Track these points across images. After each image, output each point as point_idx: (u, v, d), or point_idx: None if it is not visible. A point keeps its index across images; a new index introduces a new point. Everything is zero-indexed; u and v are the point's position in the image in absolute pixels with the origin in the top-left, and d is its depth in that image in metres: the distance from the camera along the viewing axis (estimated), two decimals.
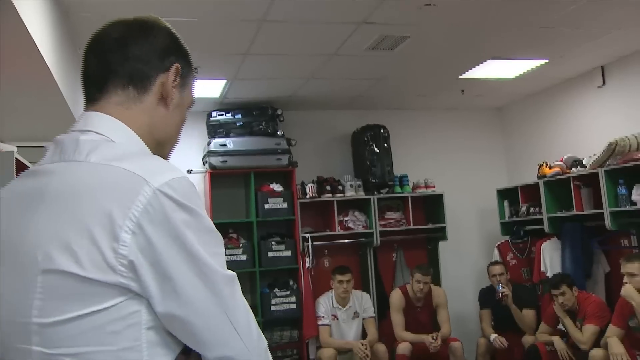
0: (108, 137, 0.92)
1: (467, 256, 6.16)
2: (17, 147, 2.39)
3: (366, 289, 5.59)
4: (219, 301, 0.82)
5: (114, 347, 0.79)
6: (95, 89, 0.98)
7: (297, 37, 3.92)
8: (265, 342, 0.90)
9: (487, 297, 5.32)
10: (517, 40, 4.34)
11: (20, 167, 2.20)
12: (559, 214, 5.13)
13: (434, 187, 5.90)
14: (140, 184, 0.81)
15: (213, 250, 0.84)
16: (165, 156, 1.04)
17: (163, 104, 1.01)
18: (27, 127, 3.17)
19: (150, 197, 0.80)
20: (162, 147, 1.03)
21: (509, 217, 5.79)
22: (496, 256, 5.71)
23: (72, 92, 3.06)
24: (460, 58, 4.67)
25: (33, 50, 2.27)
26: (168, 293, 0.80)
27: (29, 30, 2.14)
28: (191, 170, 5.56)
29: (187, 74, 1.05)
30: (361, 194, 5.69)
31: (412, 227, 5.78)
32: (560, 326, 4.69)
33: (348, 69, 4.75)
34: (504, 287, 5.03)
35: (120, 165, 0.84)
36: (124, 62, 0.98)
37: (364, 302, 5.33)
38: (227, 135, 5.43)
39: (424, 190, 5.88)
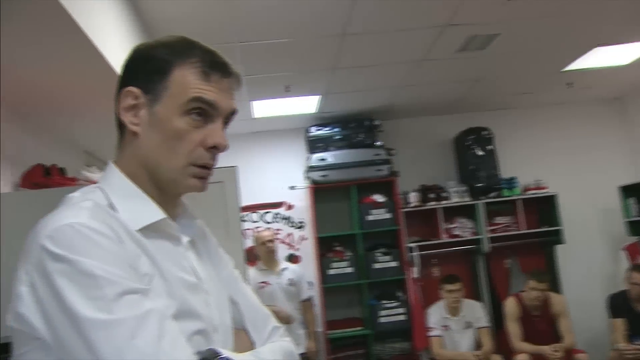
0: (100, 187, 1.00)
1: (589, 260, 5.72)
2: None
3: (478, 298, 5.38)
4: (88, 347, 0.81)
5: None
6: None
7: (381, 47, 3.90)
8: None
9: (620, 303, 4.85)
10: (627, 23, 3.98)
11: None
12: None
13: (546, 188, 5.56)
14: (35, 240, 0.87)
15: (88, 294, 0.82)
16: (167, 179, 1.01)
17: (133, 133, 1.00)
18: None
19: (37, 252, 0.86)
20: (154, 172, 1.01)
21: (635, 216, 5.31)
22: (624, 259, 5.25)
23: None
24: (561, 50, 4.38)
25: None
26: (55, 341, 0.83)
27: (114, 68, 2.33)
28: (294, 186, 5.70)
29: (155, 86, 0.98)
30: (467, 199, 5.51)
31: (524, 231, 5.49)
32: None
33: (440, 74, 4.64)
34: None
35: (38, 223, 0.92)
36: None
37: (476, 312, 5.12)
38: (326, 149, 5.51)
39: (535, 191, 5.57)
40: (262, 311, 1.15)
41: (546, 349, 4.64)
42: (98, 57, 2.20)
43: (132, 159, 1.01)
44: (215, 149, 1.00)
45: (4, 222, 2.37)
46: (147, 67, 0.99)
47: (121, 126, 1.03)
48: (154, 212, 0.99)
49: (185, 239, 1.06)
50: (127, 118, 0.99)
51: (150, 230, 0.96)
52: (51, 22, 1.91)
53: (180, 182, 1.01)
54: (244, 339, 1.10)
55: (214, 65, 0.99)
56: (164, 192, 1.03)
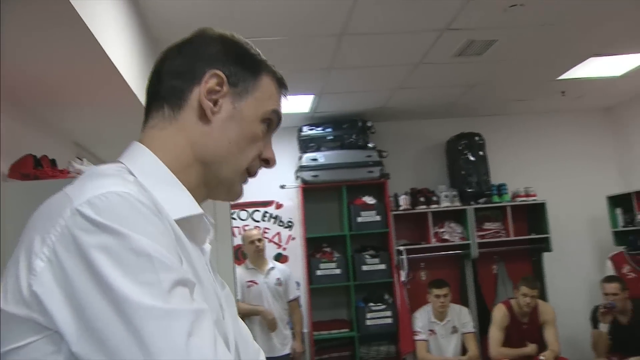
0: (126, 166, 0.86)
1: (577, 269, 5.75)
2: None
3: (465, 303, 5.39)
4: (136, 340, 0.65)
5: None
6: (144, 116, 0.94)
7: (379, 49, 3.88)
8: None
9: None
10: (622, 35, 4.00)
11: None
12: None
13: (535, 195, 5.59)
14: (65, 206, 0.71)
15: (140, 278, 0.67)
16: (223, 179, 0.93)
17: (204, 118, 0.90)
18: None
19: (68, 219, 0.69)
20: (213, 167, 0.91)
21: (622, 226, 5.34)
22: (609, 269, 5.26)
23: None
24: (557, 58, 4.39)
25: (118, 78, 2.41)
26: (83, 330, 0.66)
27: (112, 60, 2.28)
28: (284, 185, 5.66)
29: (244, 82, 0.92)
30: (457, 204, 5.51)
31: (512, 237, 5.50)
32: None
33: (436, 77, 4.63)
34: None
35: (66, 188, 0.76)
36: (159, 81, 0.93)
37: (462, 317, 5.12)
38: (318, 149, 5.48)
39: (525, 198, 5.59)
40: (253, 346, 1.04)
41: (530, 350, 4.63)
42: (98, 49, 2.14)
43: (188, 145, 0.90)
44: (266, 163, 0.97)
45: None
46: (239, 60, 0.93)
47: (168, 103, 0.91)
48: (192, 205, 0.88)
49: (208, 245, 0.97)
50: (208, 102, 0.90)
51: (180, 225, 0.84)
52: (50, 10, 1.85)
53: (232, 186, 0.95)
54: None
55: (283, 82, 0.99)
56: (208, 190, 0.94)
